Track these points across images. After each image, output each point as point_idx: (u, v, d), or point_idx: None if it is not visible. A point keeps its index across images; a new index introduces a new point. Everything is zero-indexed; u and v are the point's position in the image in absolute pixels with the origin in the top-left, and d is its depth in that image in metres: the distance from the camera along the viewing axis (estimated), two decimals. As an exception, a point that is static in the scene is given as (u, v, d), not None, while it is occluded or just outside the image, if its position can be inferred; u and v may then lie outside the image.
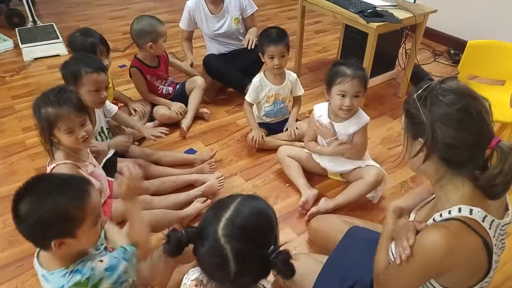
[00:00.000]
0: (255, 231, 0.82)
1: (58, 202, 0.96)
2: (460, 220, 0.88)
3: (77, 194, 0.99)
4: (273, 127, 2.30)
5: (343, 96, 1.74)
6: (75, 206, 0.98)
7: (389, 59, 2.98)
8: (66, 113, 1.38)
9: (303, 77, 3.01)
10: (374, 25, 2.25)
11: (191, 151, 2.26)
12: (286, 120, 2.31)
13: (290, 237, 1.74)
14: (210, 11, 2.66)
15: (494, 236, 0.90)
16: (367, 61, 2.37)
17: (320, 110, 1.91)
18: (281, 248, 0.81)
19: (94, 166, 1.65)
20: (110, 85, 2.26)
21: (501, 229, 0.94)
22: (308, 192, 1.89)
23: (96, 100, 1.76)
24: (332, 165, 1.96)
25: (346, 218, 1.63)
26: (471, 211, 0.88)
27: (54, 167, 1.45)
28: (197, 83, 2.52)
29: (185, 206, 1.82)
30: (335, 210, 1.83)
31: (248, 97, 2.22)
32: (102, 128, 1.95)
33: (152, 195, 1.84)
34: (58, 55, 3.24)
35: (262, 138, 2.18)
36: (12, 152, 2.24)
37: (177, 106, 2.44)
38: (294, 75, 2.26)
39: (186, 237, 0.83)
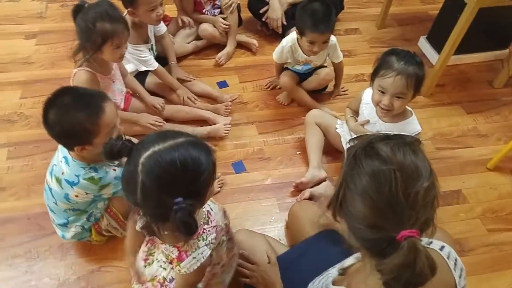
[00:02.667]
0: (168, 176, 0.80)
1: (77, 117, 1.13)
2: None
3: (93, 110, 1.16)
4: (304, 77, 2.02)
5: (382, 92, 1.43)
6: (91, 121, 1.15)
7: (506, 33, 2.29)
8: (121, 30, 1.48)
9: (386, 30, 2.54)
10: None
11: (223, 84, 2.16)
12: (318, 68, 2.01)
13: (272, 210, 1.66)
14: None
15: None
16: (453, 39, 1.87)
17: (370, 96, 1.58)
18: (187, 205, 0.79)
19: (113, 82, 1.69)
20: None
21: None
22: (314, 173, 1.71)
23: (153, 18, 1.80)
24: None
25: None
26: None
27: (76, 72, 1.55)
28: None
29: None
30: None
31: (274, 54, 1.96)
32: (152, 45, 1.97)
33: (164, 120, 1.87)
34: None
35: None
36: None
37: (220, 23, 2.18)
38: (333, 39, 1.85)
39: (117, 148, 0.85)
